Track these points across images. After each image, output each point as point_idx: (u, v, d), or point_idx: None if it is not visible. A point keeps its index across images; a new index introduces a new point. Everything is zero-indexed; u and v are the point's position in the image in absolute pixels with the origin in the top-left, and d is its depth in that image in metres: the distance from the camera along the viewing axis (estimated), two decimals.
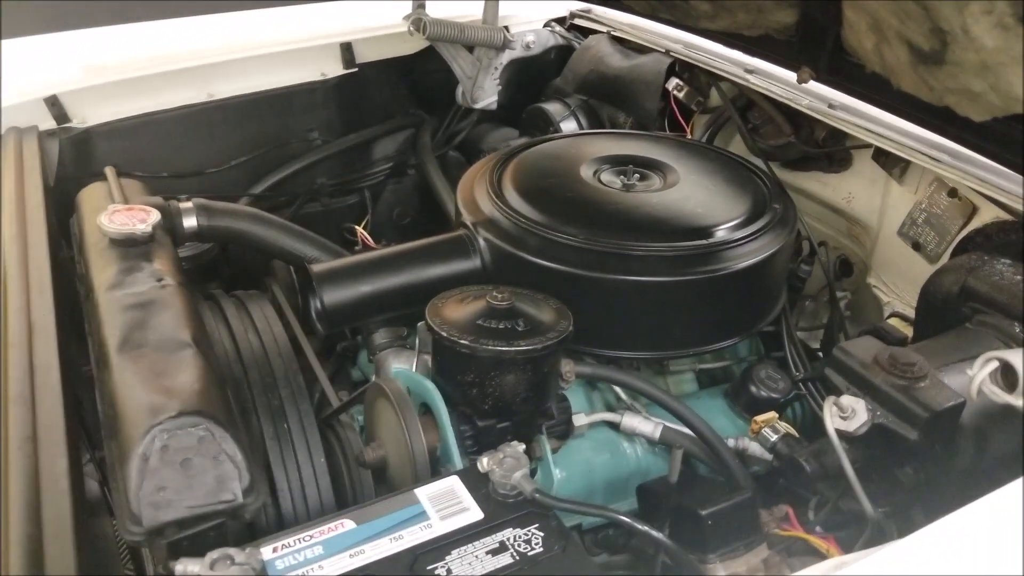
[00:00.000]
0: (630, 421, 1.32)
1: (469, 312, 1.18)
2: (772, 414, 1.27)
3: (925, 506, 1.13)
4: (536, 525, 0.93)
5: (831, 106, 1.58)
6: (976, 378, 0.99)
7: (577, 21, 2.31)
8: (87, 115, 1.91)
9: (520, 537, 0.92)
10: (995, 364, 0.99)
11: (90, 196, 1.52)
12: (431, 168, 2.11)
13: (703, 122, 1.99)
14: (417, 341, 1.45)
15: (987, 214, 1.48)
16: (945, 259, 1.56)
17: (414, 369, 1.40)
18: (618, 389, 1.38)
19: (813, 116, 1.64)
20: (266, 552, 0.90)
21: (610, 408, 1.38)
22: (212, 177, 1.99)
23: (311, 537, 0.92)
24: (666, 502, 1.15)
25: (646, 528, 0.92)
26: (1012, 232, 1.43)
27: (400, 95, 2.24)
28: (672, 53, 1.91)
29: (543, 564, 0.88)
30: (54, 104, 1.88)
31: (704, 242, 1.39)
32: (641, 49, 2.02)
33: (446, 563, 0.88)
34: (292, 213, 2.06)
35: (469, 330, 1.14)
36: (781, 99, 1.68)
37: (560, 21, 2.35)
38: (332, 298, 1.35)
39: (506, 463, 0.97)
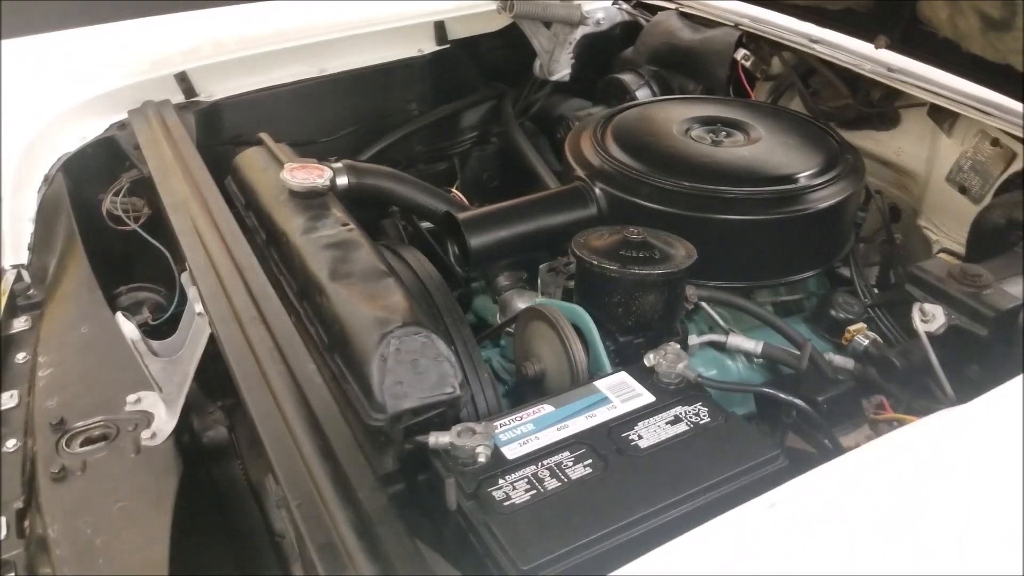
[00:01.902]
0: (734, 340, 1.55)
1: (610, 245, 1.42)
2: (861, 325, 1.51)
3: None
4: (700, 402, 1.17)
5: (890, 70, 1.81)
6: None
7: None
8: (213, 89, 2.14)
9: (690, 412, 1.16)
10: None
11: (248, 159, 1.75)
12: (518, 135, 2.34)
13: (767, 88, 2.21)
14: (539, 282, 1.69)
15: None
16: (988, 200, 1.80)
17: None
18: (716, 316, 1.62)
19: (873, 79, 1.88)
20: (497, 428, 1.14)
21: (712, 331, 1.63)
22: (323, 145, 2.21)
23: (521, 418, 1.16)
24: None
25: (789, 397, 1.17)
26: None
27: (484, 69, 2.46)
28: (740, 27, 2.14)
29: (713, 430, 1.13)
30: (183, 80, 2.10)
31: (788, 187, 1.62)
32: (708, 23, 2.25)
33: (636, 431, 1.13)
34: None
35: (615, 258, 1.38)
36: (844, 64, 1.91)
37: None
38: (477, 242, 1.59)
39: (668, 357, 1.21)
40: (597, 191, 1.66)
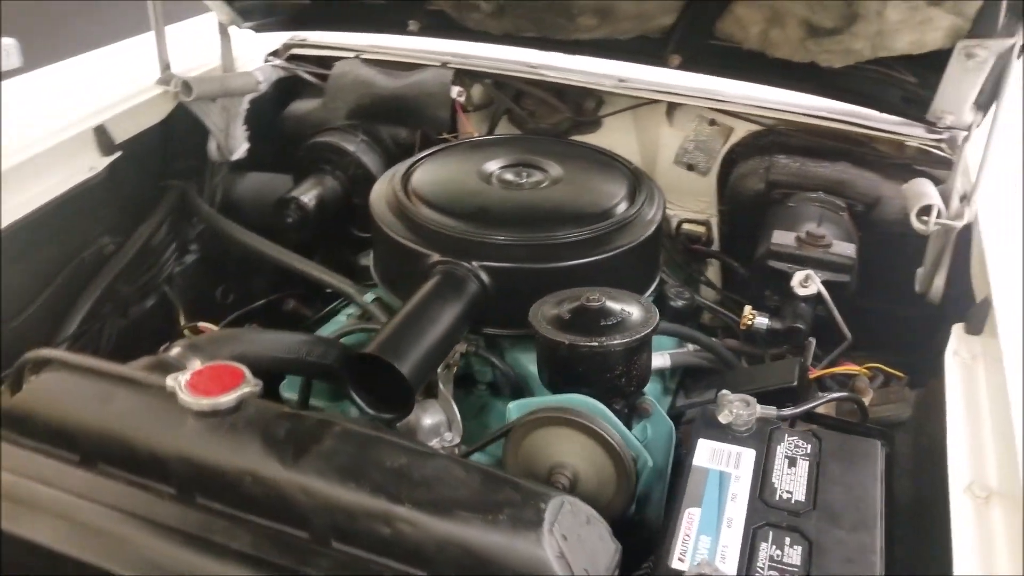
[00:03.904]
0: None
1: (583, 322, 1.31)
2: (748, 308, 1.67)
3: None
4: (786, 434, 1.18)
5: (621, 80, 1.98)
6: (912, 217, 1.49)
7: (296, 51, 2.28)
8: None
9: (791, 447, 1.17)
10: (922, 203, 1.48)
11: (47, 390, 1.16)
12: (227, 226, 1.96)
13: (476, 119, 2.22)
14: (439, 383, 1.49)
15: (741, 130, 2.06)
16: (714, 172, 2.12)
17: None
18: None
19: (592, 90, 2.04)
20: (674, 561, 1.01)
21: None
22: (12, 333, 1.55)
23: (687, 537, 1.04)
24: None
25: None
26: (763, 137, 2.03)
27: (158, 165, 1.97)
28: (449, 65, 2.09)
29: (825, 451, 1.15)
30: None
31: (628, 214, 1.62)
32: (407, 66, 2.14)
33: (780, 490, 1.09)
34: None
35: (602, 331, 1.29)
36: (567, 82, 2.03)
37: (275, 54, 2.29)
38: (410, 369, 1.32)
39: (737, 405, 1.20)
40: (475, 268, 1.51)
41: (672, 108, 2.09)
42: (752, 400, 1.20)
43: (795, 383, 1.41)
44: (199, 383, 1.06)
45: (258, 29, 2.04)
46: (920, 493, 1.13)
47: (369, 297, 1.79)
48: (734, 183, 2.00)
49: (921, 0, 1.24)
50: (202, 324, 1.82)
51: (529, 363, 1.59)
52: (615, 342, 1.27)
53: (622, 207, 1.65)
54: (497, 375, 1.62)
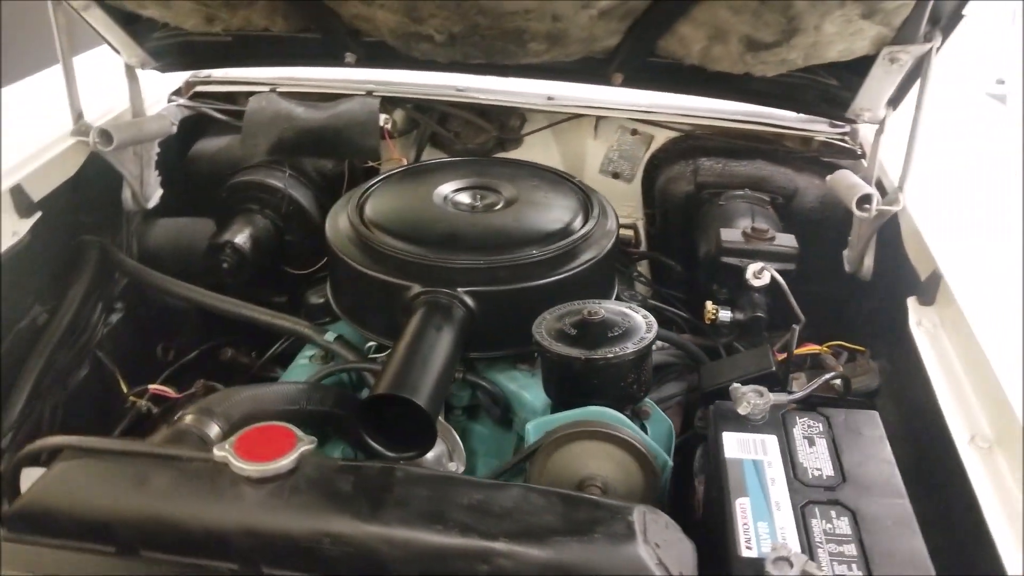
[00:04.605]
0: None
1: (590, 335, 1.36)
2: (710, 303, 1.76)
3: None
4: (797, 416, 1.28)
5: (550, 98, 2.04)
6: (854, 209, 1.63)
7: (201, 88, 2.17)
8: None
9: (806, 427, 1.26)
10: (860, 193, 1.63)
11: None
12: (159, 279, 1.84)
13: (402, 144, 2.21)
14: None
15: (661, 138, 2.17)
16: (638, 178, 2.23)
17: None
18: None
19: (516, 108, 2.09)
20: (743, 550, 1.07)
21: None
22: None
23: (746, 526, 1.10)
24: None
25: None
26: (682, 142, 2.15)
27: (71, 221, 1.81)
28: (374, 93, 2.06)
29: (834, 427, 1.25)
30: None
31: (586, 231, 1.67)
32: (331, 97, 2.09)
33: (809, 469, 1.18)
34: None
35: (609, 342, 1.34)
36: (499, 103, 2.06)
37: (178, 93, 2.16)
38: (428, 404, 1.31)
39: (751, 396, 1.28)
40: (460, 294, 1.51)
41: (597, 121, 2.18)
42: (764, 390, 1.29)
43: (774, 368, 1.52)
44: (251, 448, 1.01)
45: (163, 69, 1.93)
46: (923, 453, 1.26)
47: (330, 336, 1.74)
48: (663, 187, 2.11)
49: (855, 14, 1.37)
50: (153, 387, 1.70)
51: (507, 382, 1.62)
52: (628, 351, 1.32)
53: (582, 221, 1.71)
54: (482, 398, 1.63)
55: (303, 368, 1.72)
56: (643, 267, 2.28)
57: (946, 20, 1.39)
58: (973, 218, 1.66)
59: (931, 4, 1.32)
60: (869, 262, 1.75)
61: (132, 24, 1.76)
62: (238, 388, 1.33)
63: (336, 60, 1.77)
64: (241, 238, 1.94)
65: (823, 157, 2.04)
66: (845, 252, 1.84)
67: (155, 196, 2.00)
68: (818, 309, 1.80)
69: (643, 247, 2.27)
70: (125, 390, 1.73)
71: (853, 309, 1.88)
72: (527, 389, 1.58)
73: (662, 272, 2.22)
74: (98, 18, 1.68)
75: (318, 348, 1.74)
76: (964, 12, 1.34)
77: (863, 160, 1.96)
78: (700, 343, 1.80)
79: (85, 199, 1.84)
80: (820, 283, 1.91)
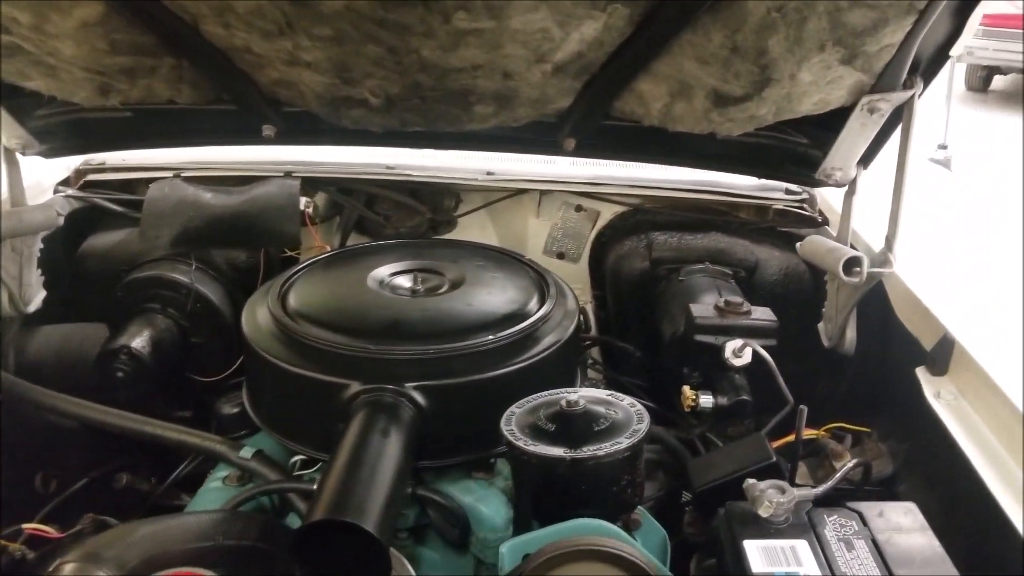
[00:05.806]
0: None
1: (572, 433, 1.14)
2: (688, 388, 1.56)
3: None
4: (827, 516, 1.08)
5: (489, 173, 1.87)
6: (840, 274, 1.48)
7: (93, 177, 1.91)
8: None
9: (840, 529, 1.06)
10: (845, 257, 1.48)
11: None
12: (44, 396, 1.53)
13: (326, 230, 1.99)
14: None
15: (608, 213, 2.02)
16: (585, 257, 2.06)
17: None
18: None
19: (450, 187, 1.91)
20: None
21: None
22: None
23: None
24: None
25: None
26: (630, 217, 2.01)
27: None
28: (294, 175, 1.84)
29: (873, 529, 1.06)
30: None
31: (523, 325, 1.43)
32: (239, 181, 1.86)
33: (864, 571, 0.98)
34: None
35: (600, 439, 1.12)
36: (432, 180, 1.88)
37: (66, 183, 1.89)
38: (382, 532, 1.04)
39: (773, 494, 1.07)
40: (407, 390, 1.27)
41: (540, 197, 2.02)
42: (785, 485, 1.09)
43: (773, 459, 1.32)
44: None
45: (49, 154, 1.66)
46: (975, 547, 1.07)
47: (247, 452, 1.46)
48: (614, 266, 1.95)
49: (834, 59, 1.26)
50: (28, 526, 1.37)
51: (462, 495, 1.36)
52: (623, 447, 1.10)
53: (539, 302, 1.51)
54: (434, 516, 1.36)
55: (215, 493, 1.42)
56: (595, 354, 2.08)
57: (926, 64, 1.30)
58: (957, 283, 1.55)
59: (916, 47, 1.21)
60: (851, 334, 1.61)
61: (13, 99, 1.51)
62: (135, 523, 1.05)
63: (253, 135, 1.55)
64: (139, 342, 1.66)
65: (779, 227, 1.93)
66: (820, 325, 1.70)
67: (37, 299, 1.70)
68: (791, 388, 1.64)
69: (593, 331, 2.08)
70: None
71: (831, 387, 1.72)
72: (484, 502, 1.33)
73: (617, 358, 2.02)
74: None
75: (233, 468, 1.45)
76: (951, 53, 1.24)
77: (827, 227, 1.85)
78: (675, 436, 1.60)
79: None
80: (792, 361, 1.76)
